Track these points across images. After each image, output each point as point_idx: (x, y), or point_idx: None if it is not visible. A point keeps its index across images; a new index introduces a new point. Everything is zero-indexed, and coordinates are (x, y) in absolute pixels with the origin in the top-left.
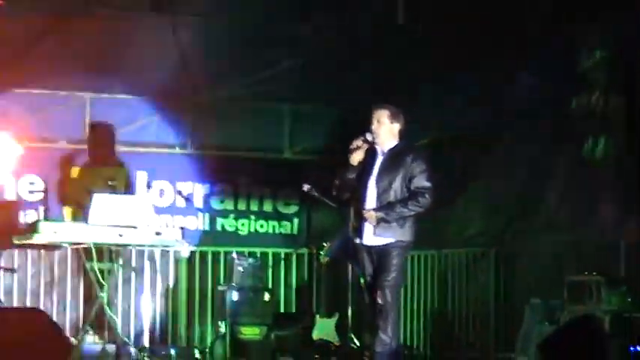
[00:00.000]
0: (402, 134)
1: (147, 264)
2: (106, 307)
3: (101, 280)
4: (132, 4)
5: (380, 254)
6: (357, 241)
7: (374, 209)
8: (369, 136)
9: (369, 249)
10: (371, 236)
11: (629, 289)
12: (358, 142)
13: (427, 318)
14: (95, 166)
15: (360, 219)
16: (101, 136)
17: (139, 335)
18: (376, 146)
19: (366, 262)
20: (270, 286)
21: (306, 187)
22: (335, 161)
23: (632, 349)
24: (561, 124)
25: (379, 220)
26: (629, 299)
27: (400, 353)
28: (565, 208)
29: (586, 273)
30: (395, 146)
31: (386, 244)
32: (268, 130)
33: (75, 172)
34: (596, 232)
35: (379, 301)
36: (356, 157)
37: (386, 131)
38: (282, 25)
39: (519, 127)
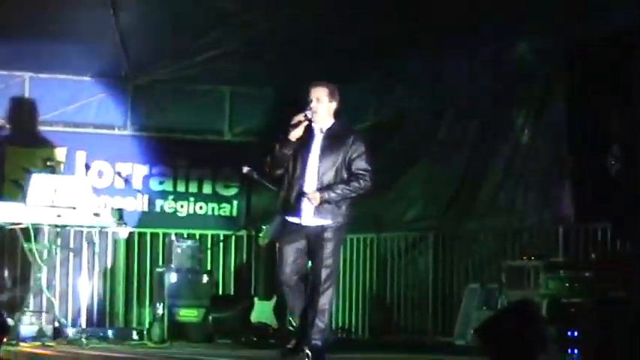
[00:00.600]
0: (338, 114)
1: (85, 245)
2: (44, 288)
3: (39, 261)
4: None
5: (316, 235)
6: (293, 220)
7: (318, 189)
8: (309, 113)
9: (305, 229)
10: (310, 216)
11: (567, 274)
12: (300, 118)
13: (366, 302)
14: (33, 147)
15: (298, 198)
16: (29, 115)
17: (76, 316)
18: (313, 124)
19: (297, 244)
20: (208, 268)
21: (245, 169)
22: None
23: (569, 333)
24: (500, 110)
25: (323, 201)
26: (567, 284)
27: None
28: (505, 193)
29: (524, 258)
30: (332, 125)
31: (323, 226)
32: (208, 112)
33: (12, 151)
34: (535, 218)
35: (315, 283)
36: (296, 133)
37: (324, 109)
38: (222, 6)
39: (459, 112)
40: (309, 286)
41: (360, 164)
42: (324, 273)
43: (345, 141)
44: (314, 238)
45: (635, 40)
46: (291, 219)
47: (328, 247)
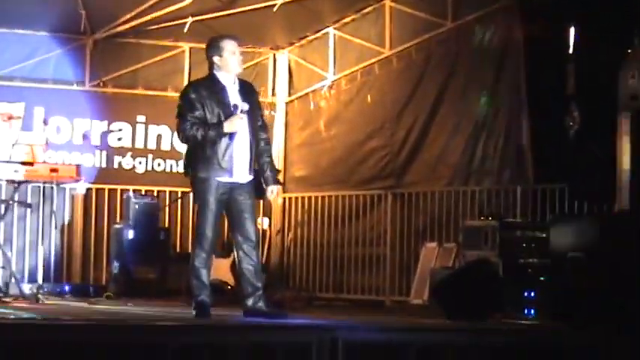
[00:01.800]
0: None
1: (42, 201)
2: (0, 244)
3: None
4: None
5: (245, 193)
6: (226, 178)
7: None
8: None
9: (233, 186)
10: (245, 173)
11: (524, 234)
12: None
13: (324, 260)
14: None
15: (229, 154)
16: None
17: (33, 272)
18: (223, 76)
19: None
20: (166, 225)
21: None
22: None
23: (525, 294)
24: (459, 69)
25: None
26: (524, 245)
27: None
28: (463, 153)
29: (482, 218)
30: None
31: (248, 183)
32: (167, 68)
33: None
34: (493, 178)
35: (252, 237)
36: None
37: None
38: None
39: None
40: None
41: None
42: (255, 226)
43: (254, 95)
44: (243, 193)
45: None
46: (223, 177)
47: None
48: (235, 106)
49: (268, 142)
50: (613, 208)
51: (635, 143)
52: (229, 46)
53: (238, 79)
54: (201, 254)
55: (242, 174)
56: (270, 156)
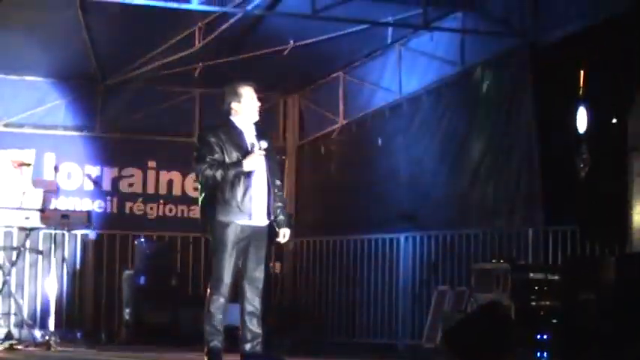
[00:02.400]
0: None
1: (54, 247)
2: (12, 291)
3: (7, 264)
4: None
5: (261, 237)
6: (244, 222)
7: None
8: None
9: (252, 230)
10: (263, 216)
11: (536, 277)
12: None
13: (337, 303)
14: (1, 149)
15: (248, 197)
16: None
17: (45, 319)
18: (240, 121)
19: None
20: (178, 270)
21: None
22: None
23: (538, 336)
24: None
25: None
26: (536, 287)
27: None
28: (475, 195)
29: (493, 260)
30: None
31: (264, 227)
32: (178, 114)
33: None
34: (504, 220)
35: (259, 284)
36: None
37: None
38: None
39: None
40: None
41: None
42: (263, 274)
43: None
44: (257, 238)
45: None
46: (242, 221)
47: (266, 248)
48: (253, 145)
49: (281, 189)
50: (625, 250)
51: None
52: (247, 93)
53: (254, 124)
54: (219, 299)
55: (260, 217)
56: (283, 201)
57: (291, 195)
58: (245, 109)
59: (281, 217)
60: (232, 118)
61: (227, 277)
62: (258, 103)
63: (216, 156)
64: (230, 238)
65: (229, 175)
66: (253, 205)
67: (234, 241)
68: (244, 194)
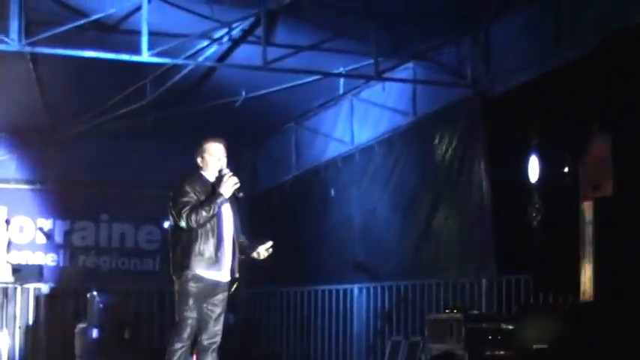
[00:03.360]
0: None
1: (6, 301)
2: None
3: None
4: None
5: (224, 291)
6: (213, 276)
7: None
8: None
9: (218, 284)
10: (228, 272)
11: (490, 326)
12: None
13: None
14: None
15: (221, 250)
16: None
17: None
18: (208, 176)
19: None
20: (131, 323)
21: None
22: None
23: None
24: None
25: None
26: (490, 337)
27: None
28: (427, 246)
29: (447, 311)
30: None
31: (231, 280)
32: (130, 166)
33: None
34: (458, 270)
35: (217, 339)
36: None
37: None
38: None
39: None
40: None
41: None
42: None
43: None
44: (221, 293)
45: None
46: (210, 276)
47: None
48: (221, 172)
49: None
50: (577, 299)
51: (597, 233)
52: (210, 149)
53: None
54: (178, 344)
55: (227, 272)
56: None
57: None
58: (210, 164)
59: (250, 244)
60: (201, 171)
61: (191, 320)
62: (223, 159)
63: (190, 196)
64: (198, 287)
65: (205, 211)
66: (224, 259)
67: (201, 293)
68: (217, 247)
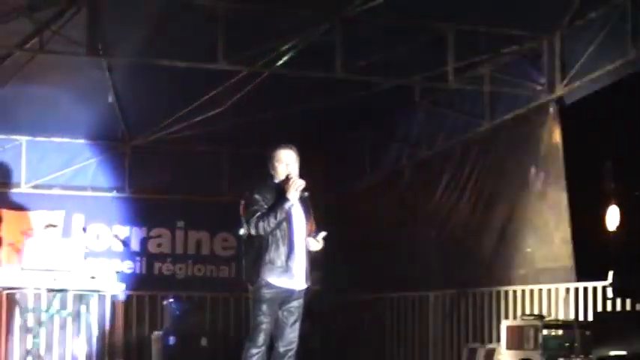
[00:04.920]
0: None
1: (83, 308)
2: (42, 352)
3: (37, 325)
4: (68, 47)
5: (299, 298)
6: (285, 284)
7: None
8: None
9: (292, 292)
10: (301, 279)
11: (567, 333)
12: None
13: None
14: (31, 210)
15: (292, 259)
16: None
17: None
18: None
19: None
20: (207, 330)
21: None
22: None
23: None
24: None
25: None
26: (567, 344)
27: None
28: (502, 253)
29: (524, 317)
30: None
31: (305, 289)
32: (206, 173)
33: (9, 215)
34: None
35: (294, 346)
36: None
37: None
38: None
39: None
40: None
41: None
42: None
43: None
44: (293, 303)
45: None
46: (284, 285)
47: (301, 314)
48: (288, 176)
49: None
50: None
51: None
52: (280, 156)
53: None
54: (253, 349)
55: (300, 280)
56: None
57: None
58: (279, 171)
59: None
60: (272, 179)
61: (266, 325)
62: (293, 166)
63: (263, 209)
64: (271, 299)
65: (272, 218)
66: (295, 267)
67: (275, 300)
68: (288, 256)
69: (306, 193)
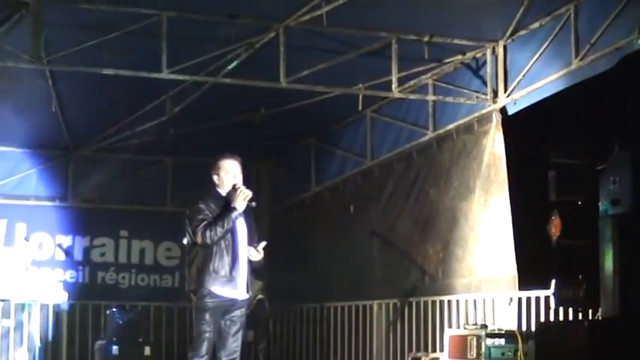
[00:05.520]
0: None
1: (25, 317)
2: None
3: None
4: (10, 56)
5: (242, 307)
6: (229, 294)
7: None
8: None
9: (235, 302)
10: (243, 289)
11: (510, 342)
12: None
13: None
14: None
15: (235, 269)
16: None
17: None
18: (222, 193)
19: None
20: (151, 339)
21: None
22: None
23: None
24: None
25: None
26: (510, 352)
27: None
28: (446, 262)
29: (467, 327)
30: None
31: (245, 300)
32: (150, 183)
33: None
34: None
35: (236, 357)
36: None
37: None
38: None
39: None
40: None
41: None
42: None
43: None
44: (235, 314)
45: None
46: (227, 294)
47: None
48: (235, 186)
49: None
50: (597, 315)
51: (618, 248)
52: (225, 166)
53: None
54: (195, 357)
55: (243, 290)
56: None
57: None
58: (225, 181)
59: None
60: (215, 188)
61: (206, 343)
62: (239, 177)
63: (209, 218)
64: (214, 308)
65: (219, 227)
66: (239, 277)
67: (218, 309)
68: (232, 265)
69: (253, 204)
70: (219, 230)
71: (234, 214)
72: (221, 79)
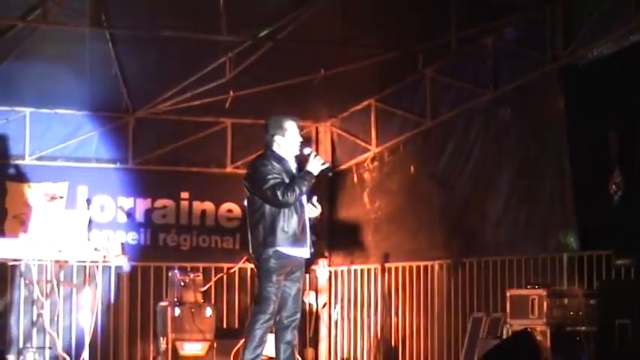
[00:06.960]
0: None
1: (88, 280)
2: (47, 325)
3: (42, 297)
4: (71, 19)
5: (302, 267)
6: (296, 253)
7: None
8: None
9: (300, 261)
10: (308, 248)
11: (571, 302)
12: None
13: (372, 333)
14: (35, 182)
15: (303, 229)
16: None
17: (80, 352)
18: (283, 153)
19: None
20: (212, 301)
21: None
22: None
23: None
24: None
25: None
26: (571, 313)
27: None
28: (508, 221)
29: (528, 287)
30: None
31: (309, 257)
32: (210, 144)
33: (14, 187)
34: (538, 246)
35: (297, 315)
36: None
37: None
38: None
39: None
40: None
41: None
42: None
43: None
44: (298, 271)
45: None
46: (297, 254)
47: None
48: (302, 149)
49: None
50: None
51: None
52: (292, 127)
53: (294, 156)
54: (262, 320)
55: (307, 249)
56: None
57: (324, 224)
58: (288, 143)
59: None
60: (275, 149)
61: (272, 305)
62: (300, 139)
63: (279, 178)
64: (280, 268)
65: (304, 190)
66: (306, 236)
67: (282, 270)
68: (300, 224)
69: (330, 174)
70: (300, 192)
71: (312, 180)
72: (281, 41)
